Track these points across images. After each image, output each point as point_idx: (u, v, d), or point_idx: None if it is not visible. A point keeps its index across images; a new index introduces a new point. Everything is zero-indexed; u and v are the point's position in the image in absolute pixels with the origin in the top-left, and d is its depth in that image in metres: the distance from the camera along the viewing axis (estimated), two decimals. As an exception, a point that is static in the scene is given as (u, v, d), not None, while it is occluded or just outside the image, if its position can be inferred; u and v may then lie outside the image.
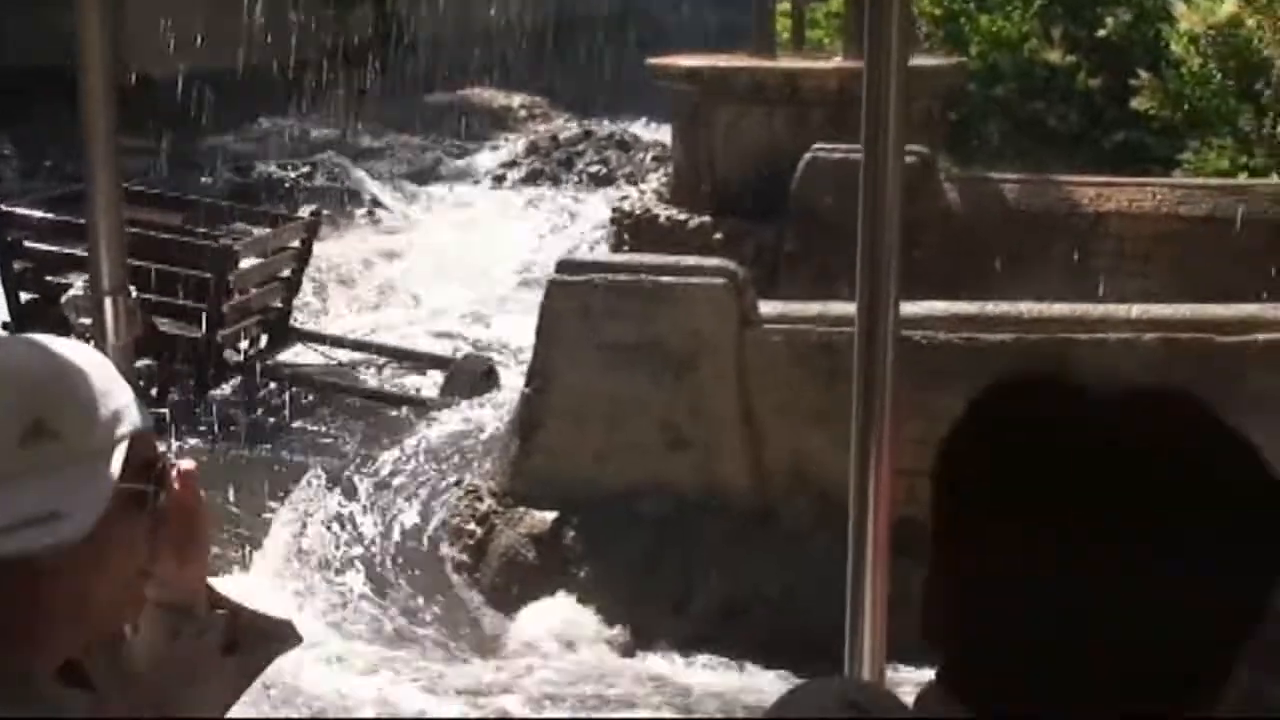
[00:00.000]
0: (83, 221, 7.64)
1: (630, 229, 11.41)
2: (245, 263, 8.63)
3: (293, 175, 13.48)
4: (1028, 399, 1.15)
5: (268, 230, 9.19)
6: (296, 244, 9.21)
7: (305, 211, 9.80)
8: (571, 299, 6.90)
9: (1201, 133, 11.51)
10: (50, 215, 8.91)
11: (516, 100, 17.36)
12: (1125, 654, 1.06)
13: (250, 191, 12.81)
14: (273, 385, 8.84)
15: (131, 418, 1.48)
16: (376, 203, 13.53)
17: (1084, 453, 1.09)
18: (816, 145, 10.35)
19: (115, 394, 1.48)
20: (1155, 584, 1.05)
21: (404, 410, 8.55)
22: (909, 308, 7.04)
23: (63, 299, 7.83)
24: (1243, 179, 10.82)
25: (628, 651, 6.36)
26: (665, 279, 6.84)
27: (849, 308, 7.52)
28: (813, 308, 6.99)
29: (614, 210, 11.73)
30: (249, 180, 13.25)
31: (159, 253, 7.93)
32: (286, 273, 9.25)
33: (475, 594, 6.72)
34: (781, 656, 6.32)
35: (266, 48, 17.07)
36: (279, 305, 9.24)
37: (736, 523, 6.71)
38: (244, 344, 9.16)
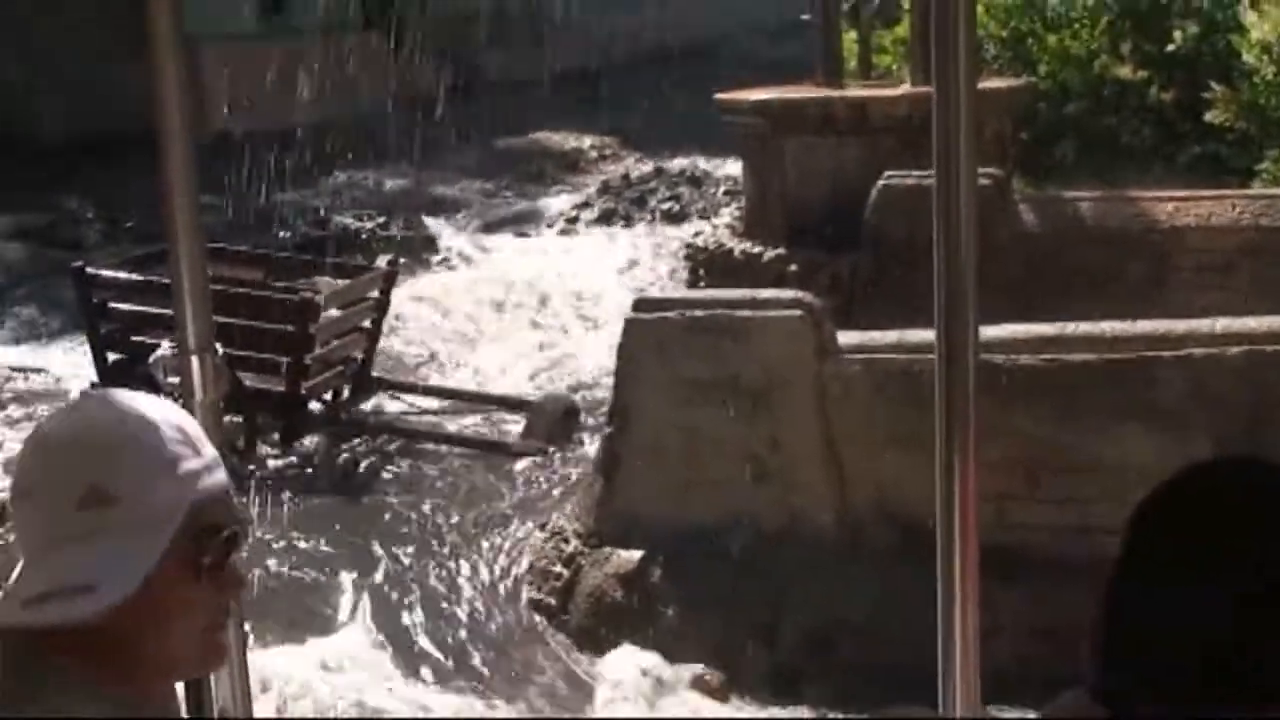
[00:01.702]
0: (166, 280, 7.76)
1: (705, 264, 11.45)
2: (326, 315, 8.74)
3: (368, 226, 13.63)
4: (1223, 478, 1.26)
5: (347, 282, 9.31)
6: (375, 294, 9.32)
7: (382, 262, 9.90)
8: (649, 336, 6.93)
9: (1276, 143, 11.37)
10: (133, 275, 9.07)
11: (587, 141, 17.45)
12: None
13: (327, 244, 12.95)
14: (358, 436, 8.92)
15: (198, 483, 1.48)
16: (452, 250, 13.63)
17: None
18: (888, 173, 10.33)
19: (184, 459, 1.48)
20: None
21: (488, 454, 8.60)
22: (989, 331, 7.01)
23: (150, 358, 7.91)
24: (1322, 187, 10.67)
25: (719, 692, 6.33)
26: (741, 313, 6.85)
27: (927, 334, 7.48)
28: (890, 335, 6.97)
29: (688, 246, 11.77)
30: (325, 233, 13.42)
31: (241, 308, 8.06)
32: (366, 323, 9.35)
33: (563, 636, 6.72)
34: (872, 688, 6.29)
35: (339, 102, 17.30)
36: (360, 356, 9.34)
37: (821, 554, 6.69)
38: (328, 395, 9.26)
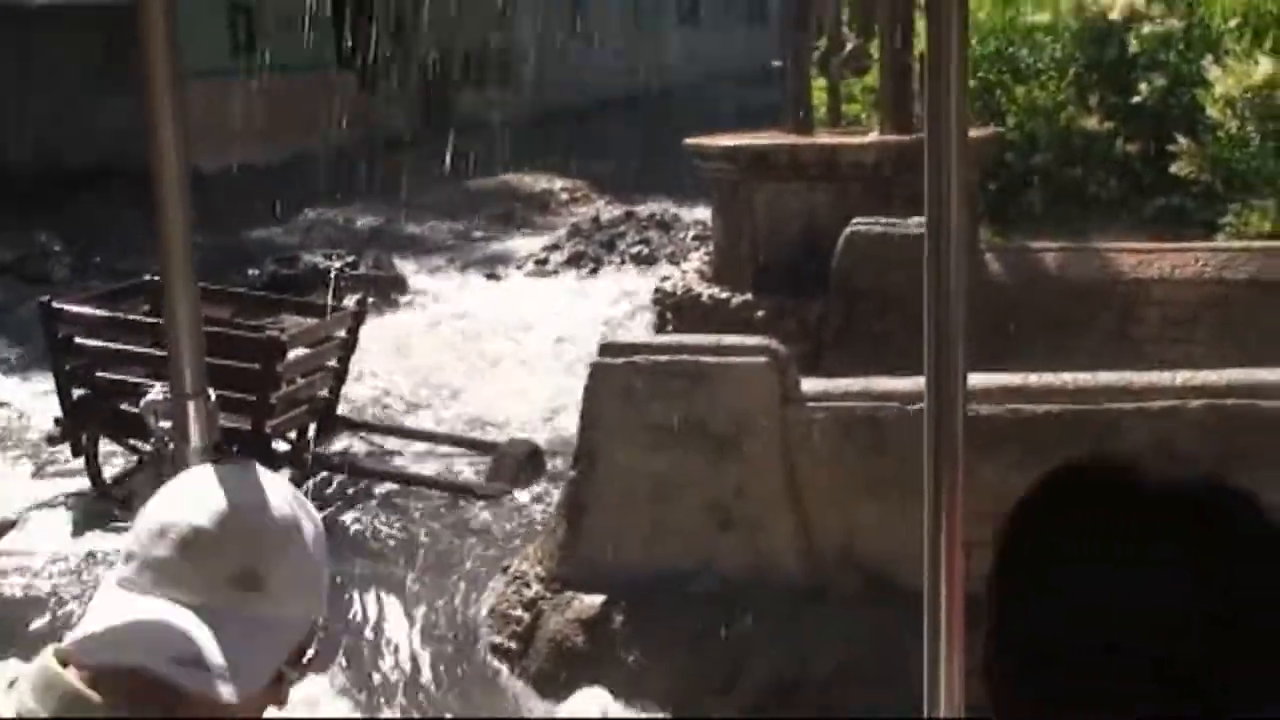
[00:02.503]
0: (132, 317, 7.76)
1: (673, 308, 11.47)
2: (293, 353, 8.72)
3: (337, 265, 13.63)
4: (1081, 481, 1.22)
5: (314, 321, 9.30)
6: (342, 334, 9.31)
7: (351, 301, 9.90)
8: (614, 381, 6.93)
9: (1242, 195, 11.48)
10: (100, 311, 9.04)
11: (558, 184, 17.51)
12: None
13: (295, 282, 12.94)
14: (321, 475, 8.90)
15: (319, 603, 1.50)
16: (420, 290, 13.63)
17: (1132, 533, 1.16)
18: (856, 220, 10.38)
19: (320, 576, 1.50)
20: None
21: (450, 496, 8.58)
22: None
23: (142, 402, 7.88)
24: (1285, 241, 10.76)
25: (679, 735, 6.32)
26: (706, 359, 6.87)
27: (892, 383, 7.52)
28: (856, 383, 6.99)
29: (656, 290, 11.79)
30: (295, 271, 13.40)
31: (208, 346, 8.01)
32: (333, 362, 9.34)
33: (521, 682, 6.70)
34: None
35: (311, 140, 17.33)
36: (326, 395, 9.33)
37: (786, 601, 6.69)
38: (293, 434, 9.24)
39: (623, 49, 21.88)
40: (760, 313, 10.88)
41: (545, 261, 14.51)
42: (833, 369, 8.42)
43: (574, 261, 14.37)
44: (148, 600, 1.41)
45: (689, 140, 11.67)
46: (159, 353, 8.45)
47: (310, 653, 1.50)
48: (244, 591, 1.42)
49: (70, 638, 1.42)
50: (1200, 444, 6.40)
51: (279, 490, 1.51)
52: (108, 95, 17.40)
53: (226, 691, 1.37)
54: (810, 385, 6.92)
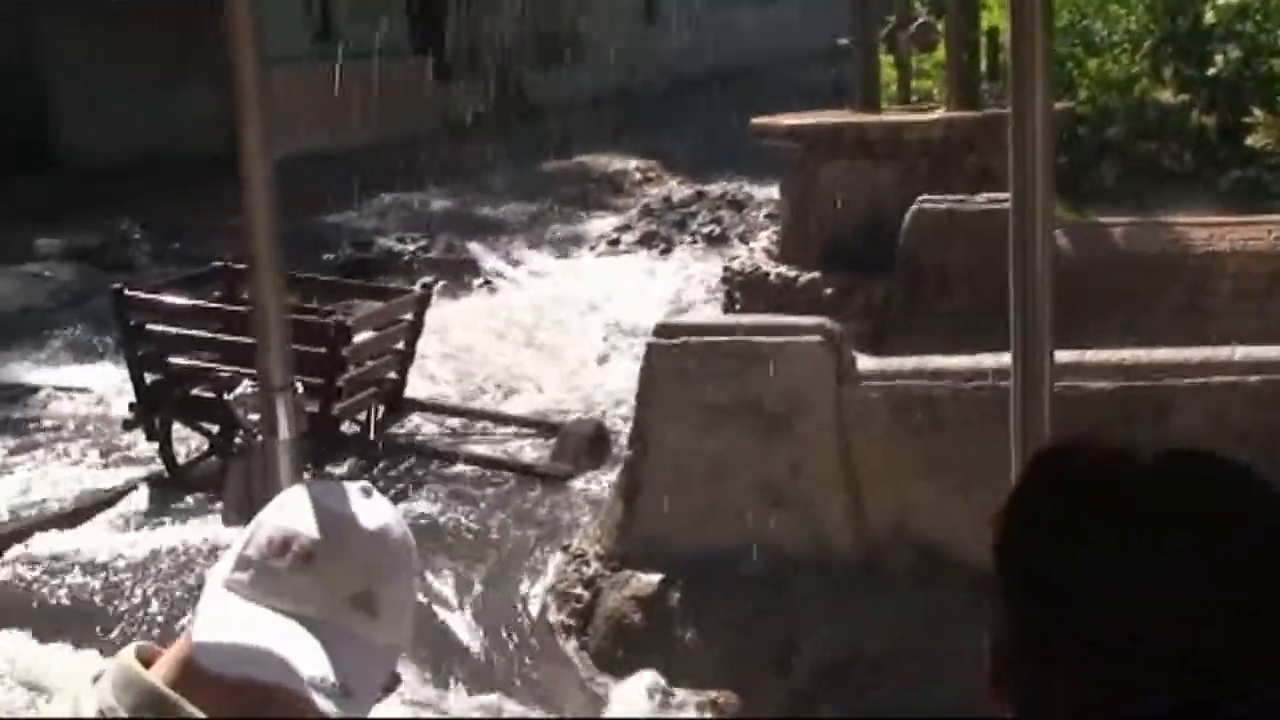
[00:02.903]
0: (202, 303, 7.91)
1: (741, 287, 11.49)
2: (359, 337, 8.85)
3: (411, 248, 13.77)
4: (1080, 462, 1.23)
5: (380, 304, 9.42)
6: (409, 317, 9.42)
7: (418, 285, 10.02)
8: (669, 361, 6.98)
9: (1319, 167, 11.31)
10: (170, 298, 9.23)
11: (632, 164, 17.55)
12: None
13: (370, 266, 13.11)
14: (389, 457, 9.03)
15: (409, 629, 1.50)
16: (493, 273, 13.76)
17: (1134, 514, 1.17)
18: (922, 197, 10.34)
19: (414, 601, 1.51)
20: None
21: (517, 476, 8.69)
22: (1004, 358, 7.03)
23: (230, 396, 8.13)
24: (1363, 212, 10.59)
25: (732, 714, 6.38)
26: (760, 338, 6.90)
27: (947, 361, 7.50)
28: (910, 362, 7.00)
29: (725, 270, 11.82)
30: (369, 255, 13.56)
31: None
32: (400, 345, 9.46)
33: (583, 658, 6.78)
34: (887, 712, 6.32)
35: (386, 125, 17.51)
36: (394, 377, 9.45)
37: (839, 580, 6.72)
38: (362, 416, 9.38)
39: (698, 27, 21.86)
40: (827, 291, 10.87)
41: (617, 242, 14.58)
42: (898, 347, 8.42)
43: (646, 241, 14.43)
44: (270, 613, 1.41)
45: (755, 120, 11.66)
46: (229, 338, 8.63)
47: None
48: (359, 613, 1.42)
49: (194, 639, 1.42)
50: (1258, 420, 6.36)
51: (393, 514, 1.50)
52: (189, 84, 17.69)
53: (347, 714, 1.37)
54: (865, 364, 6.93)
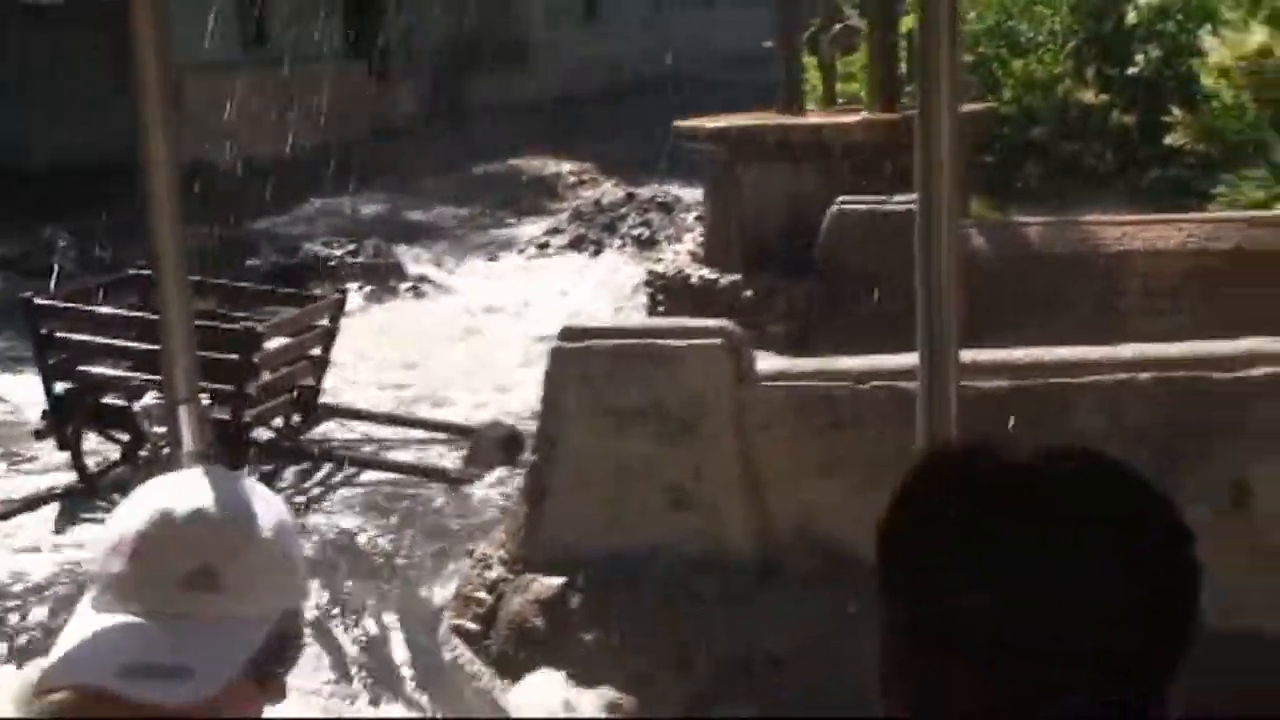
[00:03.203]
0: (111, 310, 7.84)
1: (664, 291, 11.51)
2: (272, 343, 8.82)
3: (338, 253, 13.72)
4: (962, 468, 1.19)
5: (293, 311, 9.40)
6: (324, 323, 9.40)
7: (352, 288, 10.02)
8: (573, 365, 6.98)
9: (1235, 166, 11.42)
10: (79, 306, 9.17)
11: (565, 167, 17.55)
12: None
13: (295, 272, 13.05)
14: (301, 463, 9.01)
15: (292, 592, 1.48)
16: (420, 278, 13.72)
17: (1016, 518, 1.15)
18: (841, 199, 10.40)
19: (287, 564, 1.48)
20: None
21: (430, 481, 8.68)
22: (903, 359, 7.06)
23: (136, 407, 8.10)
24: (1277, 210, 10.70)
25: (632, 717, 6.39)
26: (662, 341, 6.91)
27: (847, 361, 7.53)
28: (809, 363, 7.03)
29: (648, 273, 11.84)
30: (295, 260, 13.51)
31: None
32: (316, 350, 9.44)
33: (482, 663, 6.78)
34: (788, 712, 6.34)
35: (320, 130, 17.44)
36: (310, 383, 9.43)
37: (742, 581, 6.73)
38: (278, 422, 9.35)
39: (637, 31, 21.88)
40: (748, 293, 10.91)
41: (546, 245, 14.59)
42: (819, 348, 8.45)
43: (575, 245, 14.44)
44: (105, 616, 1.41)
45: (679, 123, 11.69)
46: (138, 345, 8.59)
47: (299, 644, 1.48)
48: (199, 592, 1.40)
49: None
50: (1152, 418, 6.42)
51: (229, 486, 1.49)
52: (120, 92, 17.54)
53: (183, 696, 1.36)
54: (765, 365, 6.95)
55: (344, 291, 9.69)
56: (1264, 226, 9.90)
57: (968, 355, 6.74)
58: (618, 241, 14.40)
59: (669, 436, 6.85)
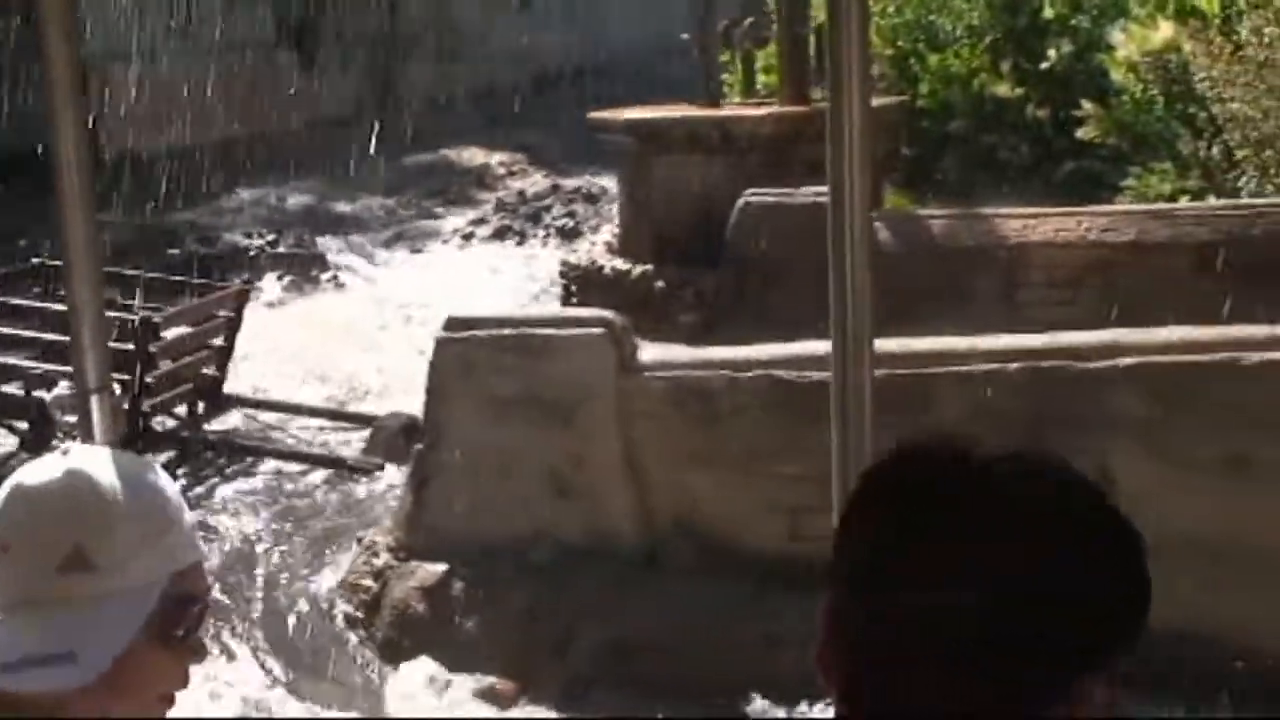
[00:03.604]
0: (6, 300, 7.78)
1: (577, 282, 11.59)
2: (171, 333, 8.85)
3: (258, 243, 13.72)
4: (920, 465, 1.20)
5: (193, 301, 9.43)
6: (227, 314, 9.44)
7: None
8: (458, 355, 7.07)
9: (1144, 159, 11.57)
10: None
11: (496, 158, 17.59)
12: None
13: (213, 261, 13.05)
14: (201, 453, 9.05)
15: (180, 553, 1.46)
16: (342, 267, 13.75)
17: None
18: (749, 191, 10.51)
19: (164, 527, 1.45)
20: None
21: (326, 470, 8.74)
22: (788, 348, 7.17)
23: (48, 397, 8.12)
24: (1183, 202, 10.86)
25: (508, 701, 6.47)
26: (544, 331, 7.00)
27: (725, 351, 7.62)
28: (689, 353, 7.14)
29: (562, 264, 11.92)
30: (214, 251, 13.51)
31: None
32: (219, 340, 9.47)
33: (368, 649, 6.85)
34: (661, 699, 6.43)
35: (251, 120, 17.42)
36: (214, 373, 9.46)
37: (622, 568, 6.83)
38: (182, 412, 9.39)
39: (572, 21, 21.92)
40: (659, 284, 11.01)
41: (470, 236, 14.63)
42: (727, 338, 8.54)
43: (499, 235, 14.49)
44: None
45: (592, 114, 11.77)
46: (38, 335, 8.60)
47: (201, 604, 1.47)
48: (74, 574, 1.40)
49: None
50: (1013, 406, 6.55)
51: (91, 464, 1.47)
52: (38, 79, 17.43)
53: (72, 679, 1.37)
54: (646, 355, 7.05)
55: (249, 283, 9.74)
56: (1160, 219, 10.06)
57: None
58: (541, 232, 14.46)
59: (551, 425, 6.94)
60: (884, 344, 6.84)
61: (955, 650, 1.12)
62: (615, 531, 6.92)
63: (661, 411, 6.88)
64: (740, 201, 10.43)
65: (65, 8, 2.16)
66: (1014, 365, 6.57)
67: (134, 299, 9.45)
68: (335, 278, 13.42)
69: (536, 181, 16.48)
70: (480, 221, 14.95)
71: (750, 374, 6.84)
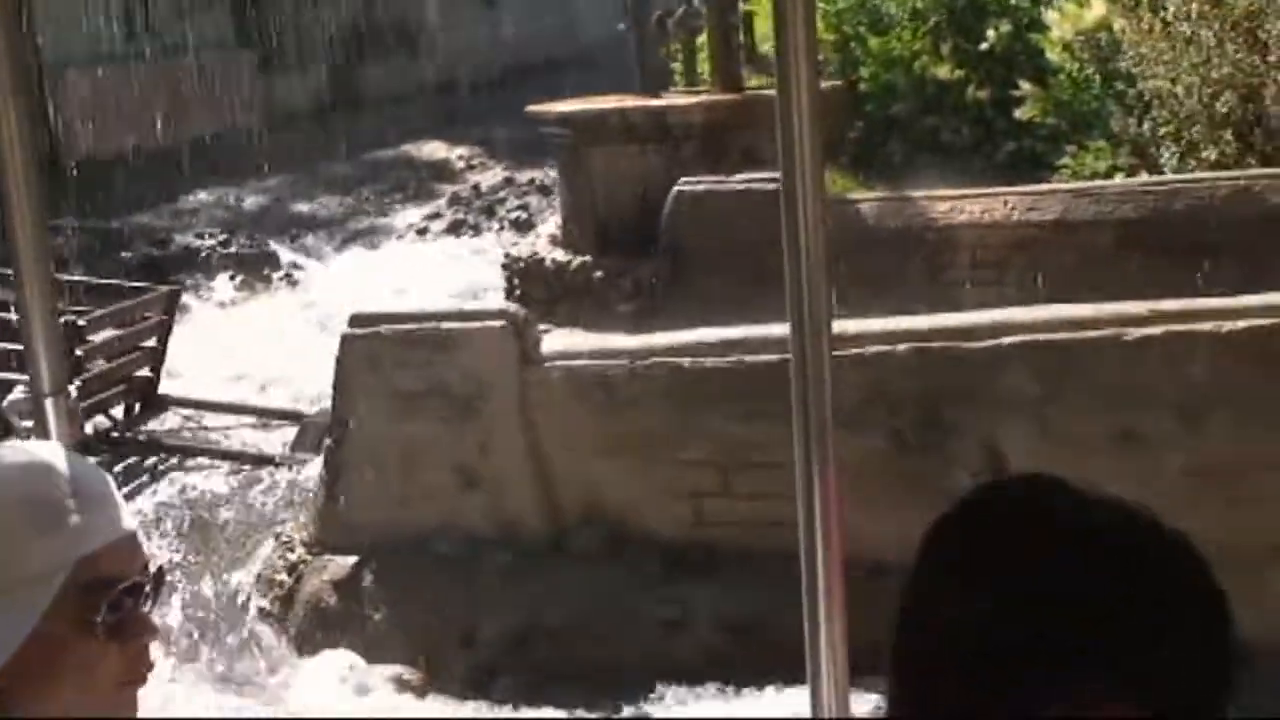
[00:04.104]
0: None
1: (520, 274, 11.68)
2: (99, 335, 8.96)
3: (209, 244, 13.81)
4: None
5: (121, 304, 9.53)
6: (158, 315, 9.55)
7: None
8: (363, 351, 7.17)
9: (1080, 137, 11.65)
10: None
11: (456, 153, 17.67)
12: None
13: (164, 264, 13.13)
14: (132, 454, 9.15)
15: (86, 536, 1.40)
16: (294, 266, 13.83)
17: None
18: (682, 180, 10.61)
19: (70, 512, 1.40)
20: None
21: (255, 468, 8.85)
22: (685, 335, 7.27)
23: (4, 402, 8.22)
24: (1118, 180, 10.94)
25: (419, 691, 6.58)
26: (447, 325, 7.10)
27: (625, 341, 7.71)
28: (589, 342, 7.23)
29: (505, 256, 12.01)
30: (166, 253, 13.59)
31: (13, 334, 8.26)
32: (151, 342, 9.57)
33: (283, 643, 6.96)
34: (565, 684, 6.55)
35: (210, 121, 17.51)
36: (147, 374, 9.57)
37: (528, 557, 6.93)
38: (118, 412, 9.50)
39: (533, 15, 21.97)
40: (597, 274, 11.11)
41: (425, 231, 14.72)
42: (664, 325, 8.63)
43: (454, 230, 14.58)
44: None
45: (529, 106, 11.85)
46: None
47: (124, 585, 1.40)
48: None
49: None
50: (906, 386, 6.64)
51: (7, 454, 1.44)
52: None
53: None
54: (547, 346, 7.14)
55: (180, 284, 9.83)
56: (1085, 197, 10.16)
57: (737, 332, 6.98)
58: (495, 225, 14.55)
59: (456, 418, 7.04)
60: (773, 329, 7.00)
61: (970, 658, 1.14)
62: (521, 521, 7.02)
63: (564, 401, 6.98)
64: (674, 191, 10.53)
65: (6, 5, 2.14)
66: (903, 346, 6.66)
67: (76, 304, 9.55)
68: (288, 276, 13.51)
69: (496, 175, 16.56)
70: (435, 216, 15.04)
71: (648, 362, 6.94)
